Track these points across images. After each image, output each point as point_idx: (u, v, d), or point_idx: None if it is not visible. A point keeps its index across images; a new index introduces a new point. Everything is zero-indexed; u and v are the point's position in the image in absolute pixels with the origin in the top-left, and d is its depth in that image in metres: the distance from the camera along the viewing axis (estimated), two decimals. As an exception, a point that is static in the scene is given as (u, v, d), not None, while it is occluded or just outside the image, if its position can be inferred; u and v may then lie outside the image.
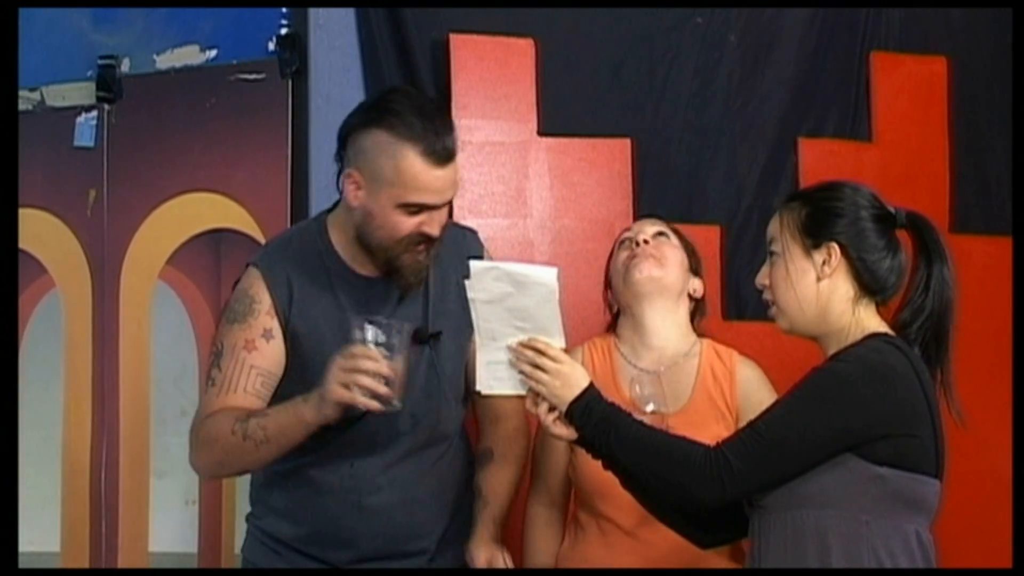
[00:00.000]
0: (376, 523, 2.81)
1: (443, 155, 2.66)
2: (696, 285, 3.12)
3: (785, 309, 2.49)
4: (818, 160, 3.78)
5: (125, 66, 3.90)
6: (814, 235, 2.45)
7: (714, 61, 3.81)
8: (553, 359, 2.48)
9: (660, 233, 3.10)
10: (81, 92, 3.92)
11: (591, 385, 2.48)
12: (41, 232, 3.91)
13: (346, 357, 2.54)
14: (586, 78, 3.73)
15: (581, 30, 3.74)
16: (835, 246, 2.44)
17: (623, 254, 3.09)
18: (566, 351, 2.51)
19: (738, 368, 3.09)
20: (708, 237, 3.64)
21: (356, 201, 2.72)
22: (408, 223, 2.69)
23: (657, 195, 3.70)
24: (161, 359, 3.80)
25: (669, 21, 3.79)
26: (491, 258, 3.03)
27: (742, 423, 2.99)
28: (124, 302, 3.84)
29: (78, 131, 3.90)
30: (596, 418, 2.45)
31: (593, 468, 2.90)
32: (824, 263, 2.44)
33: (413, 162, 2.65)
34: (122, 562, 3.79)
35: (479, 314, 2.54)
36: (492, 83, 3.63)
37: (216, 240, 3.75)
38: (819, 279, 2.44)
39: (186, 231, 3.79)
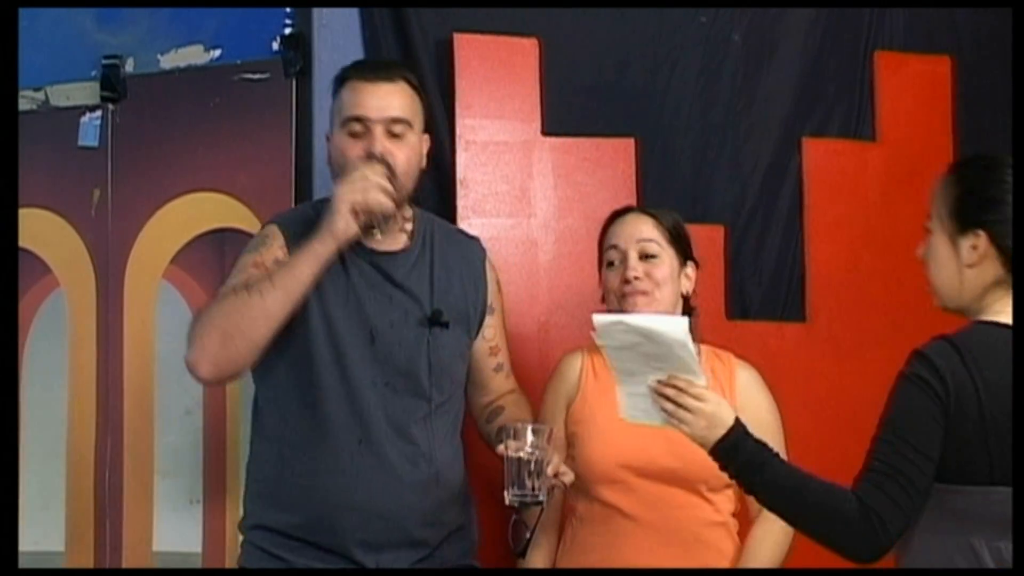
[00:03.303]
0: (373, 508, 2.83)
1: (376, 71, 2.95)
2: (688, 276, 3.13)
3: (933, 287, 2.45)
4: (822, 160, 3.79)
5: (129, 66, 3.89)
6: (963, 221, 2.38)
7: (718, 61, 3.81)
8: (696, 397, 2.42)
9: (648, 256, 3.09)
10: (85, 92, 3.91)
11: (737, 423, 2.41)
12: (45, 232, 3.90)
13: (355, 175, 2.80)
14: (590, 78, 3.73)
15: (585, 30, 3.74)
16: (983, 234, 2.36)
17: (614, 278, 3.10)
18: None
19: (737, 371, 3.11)
20: (712, 237, 3.64)
21: (331, 152, 2.95)
22: (354, 145, 2.87)
23: (661, 195, 3.70)
24: (165, 358, 3.79)
25: (673, 21, 3.79)
26: (491, 264, 3.10)
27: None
28: (128, 301, 3.84)
29: (82, 131, 3.90)
30: (741, 460, 2.38)
31: (595, 457, 2.91)
32: (972, 249, 2.37)
33: (349, 84, 2.94)
34: (126, 561, 3.78)
35: (612, 356, 2.52)
36: (496, 83, 3.62)
37: (220, 240, 3.74)
38: (967, 266, 2.37)
39: (190, 231, 3.79)
